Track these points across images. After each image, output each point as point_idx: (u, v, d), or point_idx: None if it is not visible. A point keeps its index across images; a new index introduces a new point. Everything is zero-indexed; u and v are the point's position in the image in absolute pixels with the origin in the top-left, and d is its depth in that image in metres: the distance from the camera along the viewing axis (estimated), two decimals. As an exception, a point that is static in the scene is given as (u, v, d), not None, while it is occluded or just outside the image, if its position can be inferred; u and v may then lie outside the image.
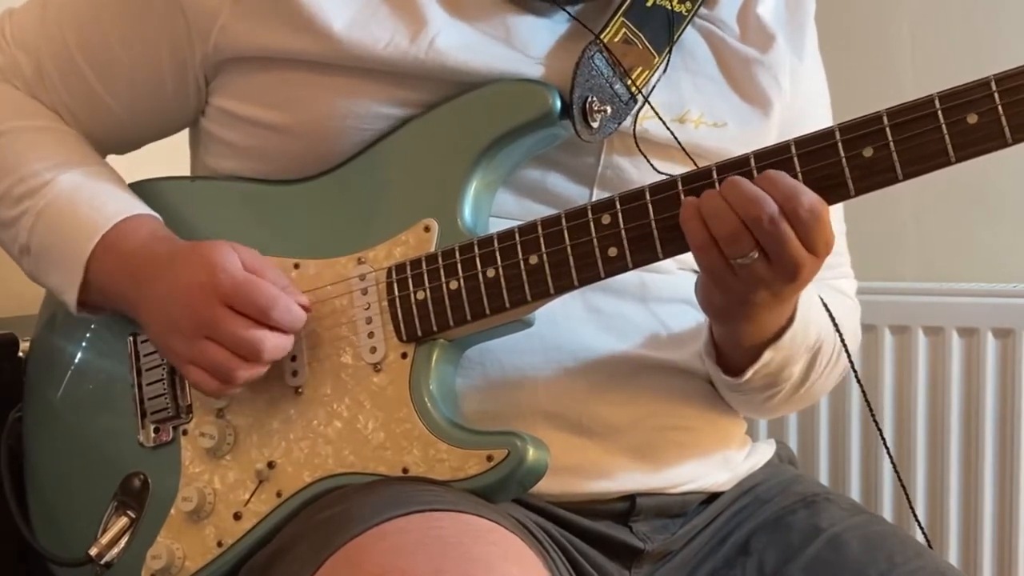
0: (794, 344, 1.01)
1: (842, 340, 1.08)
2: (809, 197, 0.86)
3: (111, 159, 1.15)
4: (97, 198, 1.04)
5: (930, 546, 1.08)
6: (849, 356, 1.08)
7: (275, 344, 0.94)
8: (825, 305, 1.05)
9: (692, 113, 1.04)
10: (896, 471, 1.13)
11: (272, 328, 0.94)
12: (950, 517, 1.72)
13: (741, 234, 0.87)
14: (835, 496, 1.13)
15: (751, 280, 0.89)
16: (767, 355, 1.00)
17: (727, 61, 1.08)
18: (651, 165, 1.01)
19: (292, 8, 0.98)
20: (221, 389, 0.96)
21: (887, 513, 1.75)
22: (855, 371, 1.08)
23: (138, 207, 1.05)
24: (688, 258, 1.02)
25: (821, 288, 1.08)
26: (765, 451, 1.18)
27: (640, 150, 1.01)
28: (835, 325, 1.06)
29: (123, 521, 1.02)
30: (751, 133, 1.06)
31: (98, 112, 1.10)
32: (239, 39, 1.00)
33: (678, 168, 0.96)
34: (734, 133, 1.06)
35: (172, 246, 1.00)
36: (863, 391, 1.08)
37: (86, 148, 1.10)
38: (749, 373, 1.01)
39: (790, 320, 0.99)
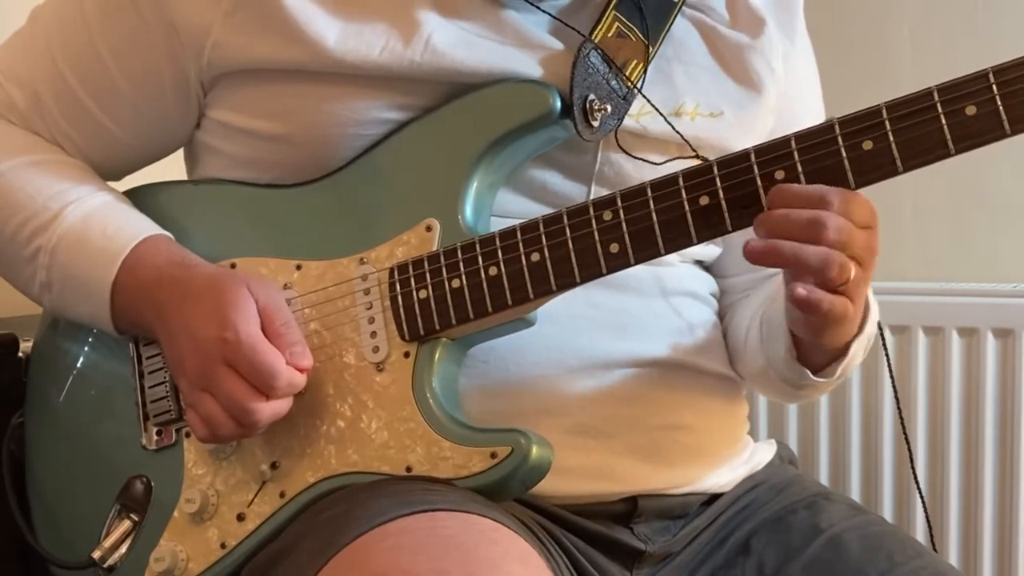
0: (867, 334, 1.02)
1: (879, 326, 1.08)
2: (834, 196, 0.87)
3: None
4: (109, 225, 1.03)
5: (934, 542, 1.08)
6: (884, 340, 1.09)
7: (271, 413, 0.94)
8: None
9: (687, 105, 1.05)
10: (911, 459, 1.13)
11: (272, 397, 0.93)
12: (950, 517, 1.72)
13: (831, 256, 0.87)
14: (835, 496, 1.13)
15: (855, 288, 0.90)
16: (854, 347, 1.00)
17: (719, 48, 1.08)
18: (651, 163, 1.01)
19: (284, 20, 0.98)
20: (209, 440, 0.96)
21: (887, 513, 1.76)
22: (887, 354, 1.08)
23: (149, 228, 1.04)
24: (690, 251, 1.02)
25: None
26: (766, 452, 1.18)
27: (620, 146, 1.01)
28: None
29: (126, 524, 1.02)
30: (748, 119, 1.06)
31: (100, 139, 1.09)
32: (232, 54, 1.00)
33: (675, 161, 0.97)
34: (731, 121, 1.06)
35: (189, 276, 0.99)
36: (892, 381, 1.08)
37: (89, 174, 1.09)
38: (839, 370, 1.02)
39: (867, 308, 0.99)
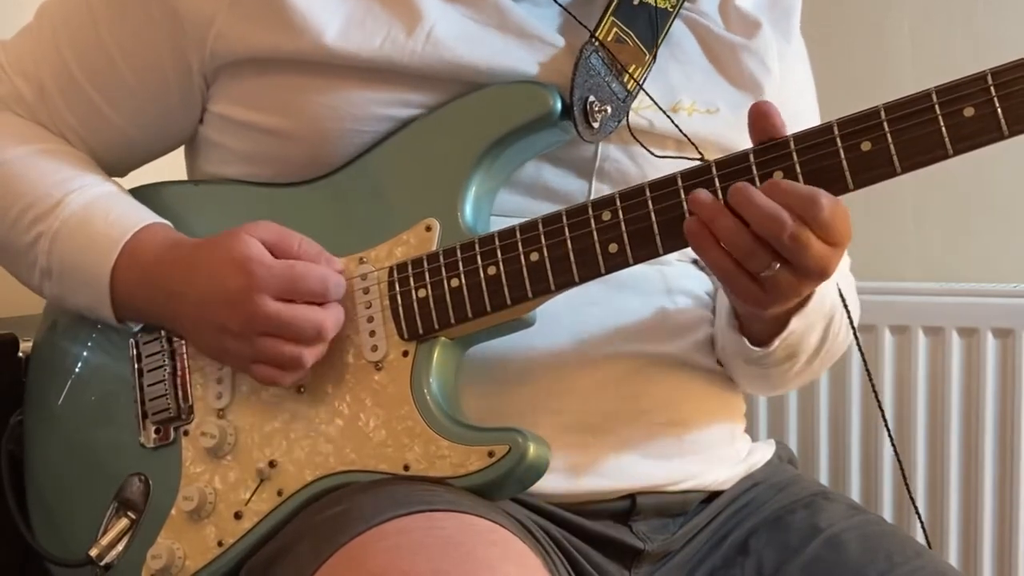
0: (813, 311, 1.01)
1: (846, 307, 1.08)
2: (826, 200, 0.86)
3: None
4: (111, 212, 1.03)
5: (930, 545, 1.08)
6: (853, 325, 1.09)
7: (335, 318, 0.95)
8: None
9: (684, 102, 1.05)
10: (899, 460, 1.13)
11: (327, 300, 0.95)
12: (950, 517, 1.72)
13: (758, 250, 0.87)
14: (834, 496, 1.13)
15: (778, 287, 0.90)
16: (793, 323, 1.00)
17: (713, 49, 1.09)
18: (651, 153, 1.01)
19: (287, 10, 0.98)
20: (292, 379, 0.96)
21: (887, 513, 1.76)
22: (858, 340, 1.09)
23: (150, 216, 1.04)
24: (688, 250, 1.02)
25: None
26: (765, 451, 1.18)
27: (636, 139, 1.02)
28: (841, 295, 1.07)
29: (123, 522, 1.02)
30: (744, 118, 1.06)
31: (104, 132, 1.09)
32: (235, 44, 1.00)
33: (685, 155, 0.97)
34: (727, 118, 1.06)
35: (192, 250, 0.99)
36: (866, 368, 1.08)
37: (91, 165, 1.09)
38: (776, 343, 1.01)
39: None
